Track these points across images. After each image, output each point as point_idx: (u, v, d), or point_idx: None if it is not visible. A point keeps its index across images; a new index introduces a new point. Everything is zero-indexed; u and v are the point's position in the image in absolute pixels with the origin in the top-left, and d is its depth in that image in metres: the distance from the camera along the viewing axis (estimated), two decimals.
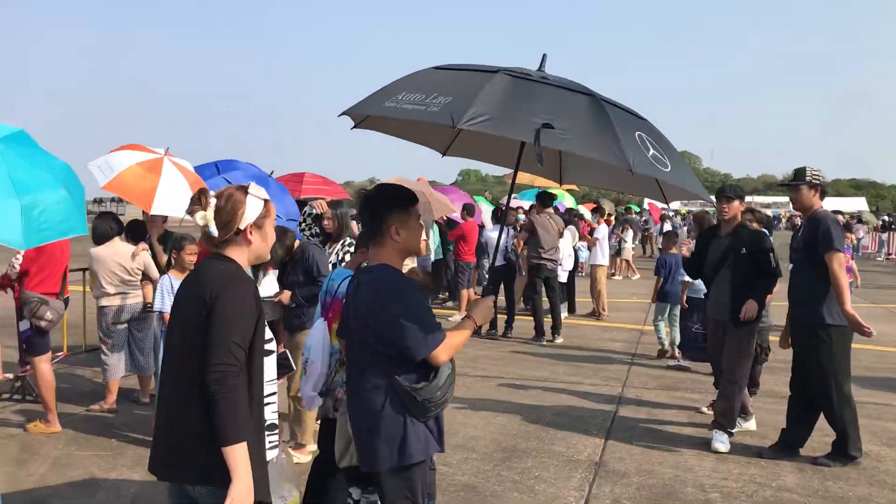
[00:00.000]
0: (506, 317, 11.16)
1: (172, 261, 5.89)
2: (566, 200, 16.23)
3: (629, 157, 2.83)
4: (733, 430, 5.98)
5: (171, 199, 6.31)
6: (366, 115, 3.47)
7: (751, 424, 6.52)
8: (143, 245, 6.80)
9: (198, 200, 2.61)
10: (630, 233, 19.28)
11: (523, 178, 14.54)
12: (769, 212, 51.84)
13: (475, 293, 13.39)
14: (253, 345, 2.52)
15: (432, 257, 12.83)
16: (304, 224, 6.66)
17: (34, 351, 6.08)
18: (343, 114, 3.31)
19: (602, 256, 13.59)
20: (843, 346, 5.52)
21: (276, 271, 5.62)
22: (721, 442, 5.85)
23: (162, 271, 6.38)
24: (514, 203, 16.41)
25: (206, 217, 2.58)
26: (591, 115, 3.01)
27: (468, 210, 12.56)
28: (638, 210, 31.27)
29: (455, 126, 2.69)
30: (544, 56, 3.34)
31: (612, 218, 19.69)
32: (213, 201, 2.60)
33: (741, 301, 5.73)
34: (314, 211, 6.44)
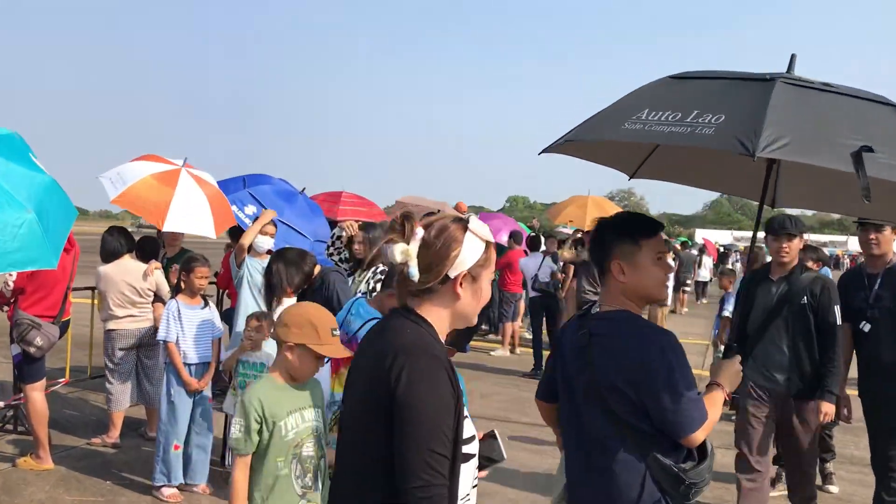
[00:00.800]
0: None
1: (182, 284, 5.27)
2: None
3: None
4: None
5: (185, 215, 5.77)
6: (597, 141, 2.83)
7: (833, 487, 5.97)
8: (155, 263, 6.21)
9: (399, 228, 1.94)
10: None
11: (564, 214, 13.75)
12: (826, 251, 49.99)
13: (520, 326, 12.60)
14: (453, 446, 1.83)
15: None
16: (332, 248, 5.96)
17: (25, 378, 5.48)
18: (565, 141, 2.65)
19: None
20: None
21: (294, 299, 4.93)
22: None
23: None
24: (563, 232, 15.62)
25: (408, 252, 1.88)
26: None
27: (515, 237, 11.79)
28: (690, 244, 29.81)
29: (754, 156, 2.07)
30: (793, 57, 2.65)
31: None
32: (419, 232, 1.90)
33: (803, 369, 4.58)
34: (343, 233, 5.77)
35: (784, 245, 4.63)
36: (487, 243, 1.94)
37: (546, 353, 10.42)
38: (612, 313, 2.43)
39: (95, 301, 7.00)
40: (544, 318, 10.70)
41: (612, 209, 13.56)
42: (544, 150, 2.78)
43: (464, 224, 1.91)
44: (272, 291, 4.65)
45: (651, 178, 3.43)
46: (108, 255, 6.06)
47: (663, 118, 2.35)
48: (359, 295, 3.89)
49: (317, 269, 4.80)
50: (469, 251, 1.89)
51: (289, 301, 5.04)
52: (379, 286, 5.30)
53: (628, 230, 2.44)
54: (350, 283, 5.38)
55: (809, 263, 5.40)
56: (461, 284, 1.90)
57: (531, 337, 11.05)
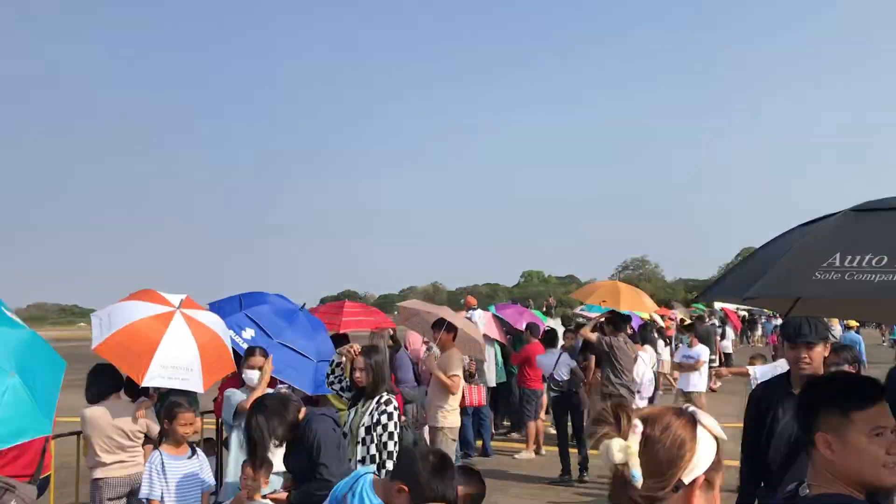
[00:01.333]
0: (579, 457, 9.71)
1: (165, 431, 4.81)
2: (644, 316, 14.73)
3: None
4: None
5: (170, 367, 5.37)
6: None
7: None
8: (146, 402, 5.76)
9: (613, 420, 1.59)
10: (661, 342, 17.33)
11: (592, 293, 13.25)
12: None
13: (543, 421, 11.97)
14: None
15: (493, 381, 11.55)
16: (332, 375, 5.48)
17: None
18: (744, 299, 2.38)
19: (700, 381, 11.65)
20: None
21: (281, 450, 4.46)
22: None
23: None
24: (582, 314, 15.12)
25: (628, 450, 1.52)
26: None
27: (532, 330, 11.29)
28: (707, 312, 28.37)
29: None
30: None
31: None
32: (637, 425, 1.55)
33: None
34: (343, 359, 5.30)
35: (803, 355, 3.86)
36: (718, 441, 1.61)
37: (573, 452, 9.79)
38: (825, 499, 2.01)
39: (81, 445, 6.50)
40: (569, 418, 10.11)
41: (647, 300, 12.82)
42: (703, 298, 2.41)
43: (691, 418, 1.59)
44: (255, 448, 4.18)
45: (807, 314, 3.09)
46: (94, 397, 5.64)
47: (865, 264, 1.98)
48: (364, 471, 3.39)
49: (301, 413, 4.34)
50: (703, 451, 1.56)
51: (276, 452, 4.57)
52: (385, 417, 4.83)
53: (836, 398, 2.06)
54: (353, 414, 4.91)
55: (846, 367, 4.80)
56: (695, 494, 1.54)
57: (555, 432, 10.43)
